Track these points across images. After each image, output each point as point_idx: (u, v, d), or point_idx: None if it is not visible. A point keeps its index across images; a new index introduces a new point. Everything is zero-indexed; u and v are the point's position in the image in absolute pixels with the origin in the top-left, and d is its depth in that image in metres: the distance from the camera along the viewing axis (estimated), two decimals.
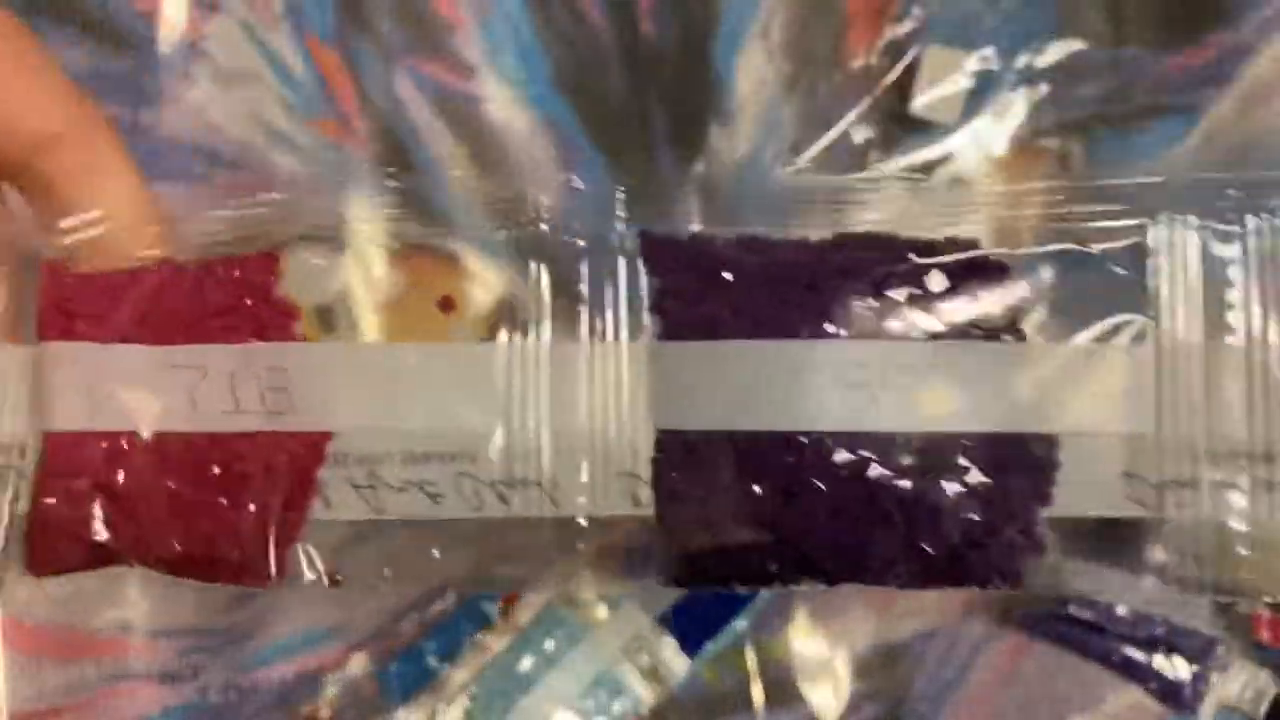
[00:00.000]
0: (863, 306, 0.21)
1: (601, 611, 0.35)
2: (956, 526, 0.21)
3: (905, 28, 0.36)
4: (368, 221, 0.22)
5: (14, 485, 0.21)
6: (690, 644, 0.35)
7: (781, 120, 0.36)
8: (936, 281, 0.21)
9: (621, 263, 0.21)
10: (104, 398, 0.21)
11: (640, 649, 0.35)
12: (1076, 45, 0.36)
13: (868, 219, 0.22)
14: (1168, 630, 0.34)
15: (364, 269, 0.21)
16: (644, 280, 0.21)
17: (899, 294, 0.21)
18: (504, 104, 0.35)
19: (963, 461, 0.21)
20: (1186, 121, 0.36)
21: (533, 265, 0.21)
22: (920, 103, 0.35)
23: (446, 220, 0.21)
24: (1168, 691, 0.34)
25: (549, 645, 0.35)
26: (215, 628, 0.35)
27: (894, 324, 0.21)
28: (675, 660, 0.35)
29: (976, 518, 0.21)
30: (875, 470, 0.21)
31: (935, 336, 0.21)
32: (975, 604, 0.36)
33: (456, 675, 0.35)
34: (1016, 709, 0.36)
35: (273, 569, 0.21)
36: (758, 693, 0.36)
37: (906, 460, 0.21)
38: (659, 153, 0.36)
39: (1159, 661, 0.34)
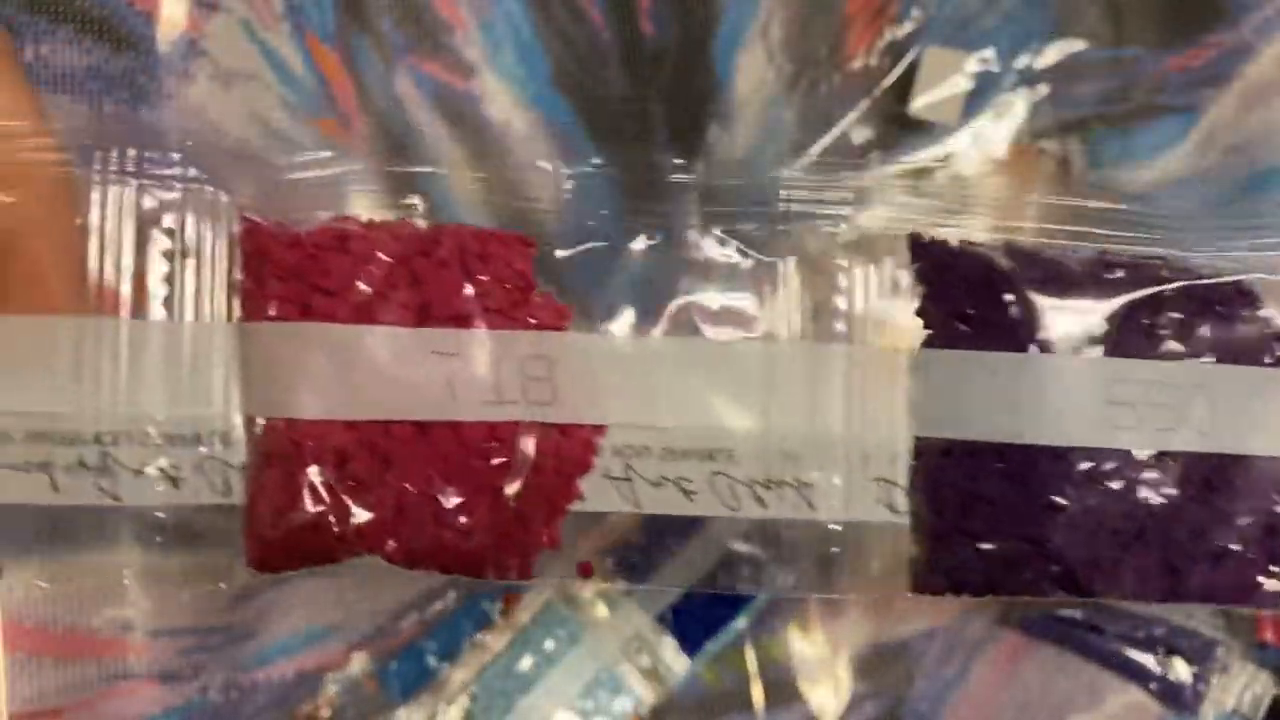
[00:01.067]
0: (1129, 325, 0.20)
1: (601, 611, 0.35)
2: (1212, 545, 0.20)
3: (905, 28, 0.36)
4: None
5: (221, 477, 0.19)
6: (690, 644, 0.35)
7: (781, 120, 0.36)
8: (1196, 306, 0.21)
9: (889, 263, 0.21)
10: (358, 384, 0.19)
11: (640, 649, 0.35)
12: (1076, 45, 0.36)
13: (866, 220, 0.22)
14: (1167, 631, 0.34)
15: None
16: (903, 282, 0.21)
17: (1164, 316, 0.21)
18: (504, 104, 0.35)
19: (1221, 482, 0.21)
20: (1186, 121, 0.36)
21: (781, 264, 0.20)
22: (920, 103, 0.35)
23: (448, 218, 0.21)
24: (1167, 692, 0.34)
25: (549, 645, 0.35)
26: (215, 627, 0.35)
27: (1158, 344, 0.20)
28: (675, 660, 0.35)
29: (1232, 541, 0.20)
30: (1136, 487, 0.20)
31: (1194, 358, 0.21)
32: (974, 604, 0.36)
33: (456, 675, 0.35)
34: (1016, 709, 0.36)
35: (533, 563, 0.20)
36: (758, 693, 0.36)
37: (1167, 478, 0.20)
38: (659, 153, 0.36)
39: (1159, 662, 0.34)
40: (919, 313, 0.21)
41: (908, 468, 0.20)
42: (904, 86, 0.36)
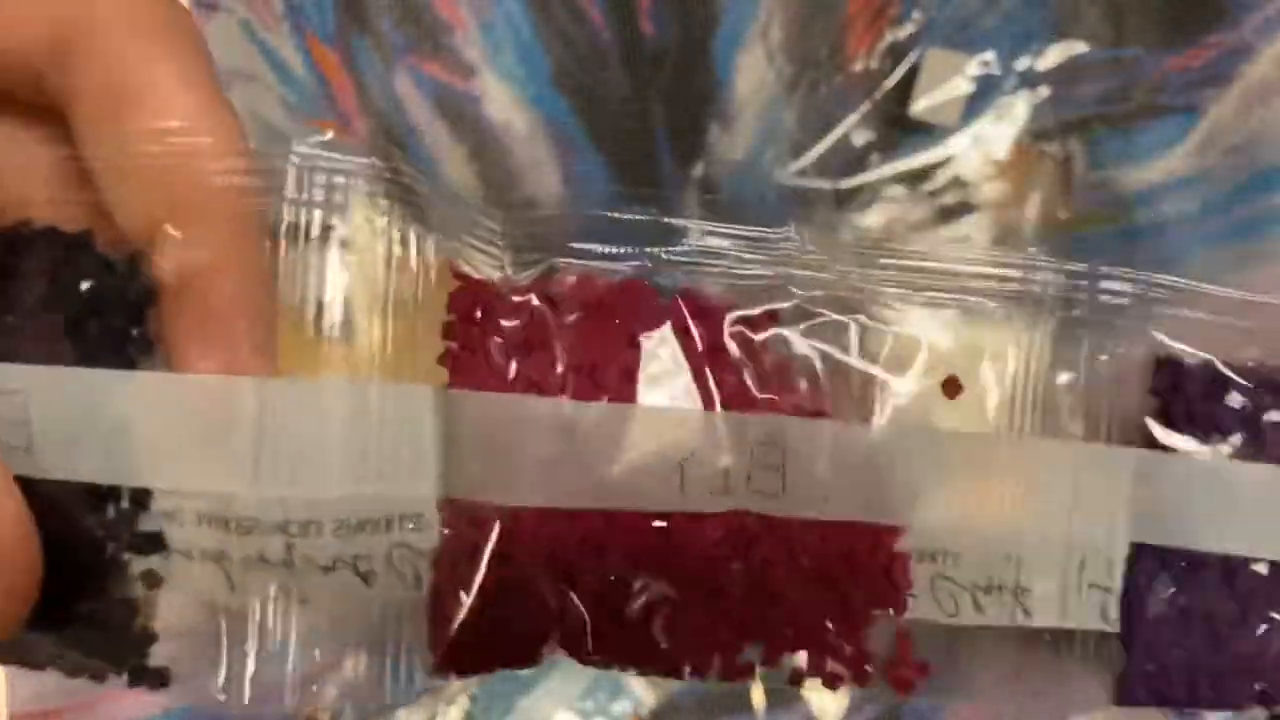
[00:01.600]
0: None
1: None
2: None
3: (905, 30, 0.36)
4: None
5: (412, 567, 0.17)
6: None
7: (781, 121, 0.36)
8: None
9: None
10: (567, 466, 0.17)
11: None
12: (1077, 47, 0.36)
13: (866, 222, 0.21)
14: None
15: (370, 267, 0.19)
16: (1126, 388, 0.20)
17: None
18: (504, 104, 0.35)
19: None
20: (1186, 121, 0.36)
21: (1034, 335, 0.19)
22: (920, 105, 0.35)
23: (444, 223, 0.20)
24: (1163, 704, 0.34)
25: None
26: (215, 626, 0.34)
27: None
28: None
29: None
30: None
31: None
32: None
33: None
34: (1017, 709, 0.36)
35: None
36: (758, 693, 0.36)
37: None
38: (659, 153, 0.35)
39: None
40: (1155, 416, 0.20)
41: (1121, 575, 0.20)
42: (904, 89, 0.36)
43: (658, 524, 0.18)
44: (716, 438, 0.18)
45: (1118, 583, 0.20)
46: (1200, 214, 0.35)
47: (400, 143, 0.35)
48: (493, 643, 0.18)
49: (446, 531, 0.17)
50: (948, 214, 0.21)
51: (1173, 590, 0.20)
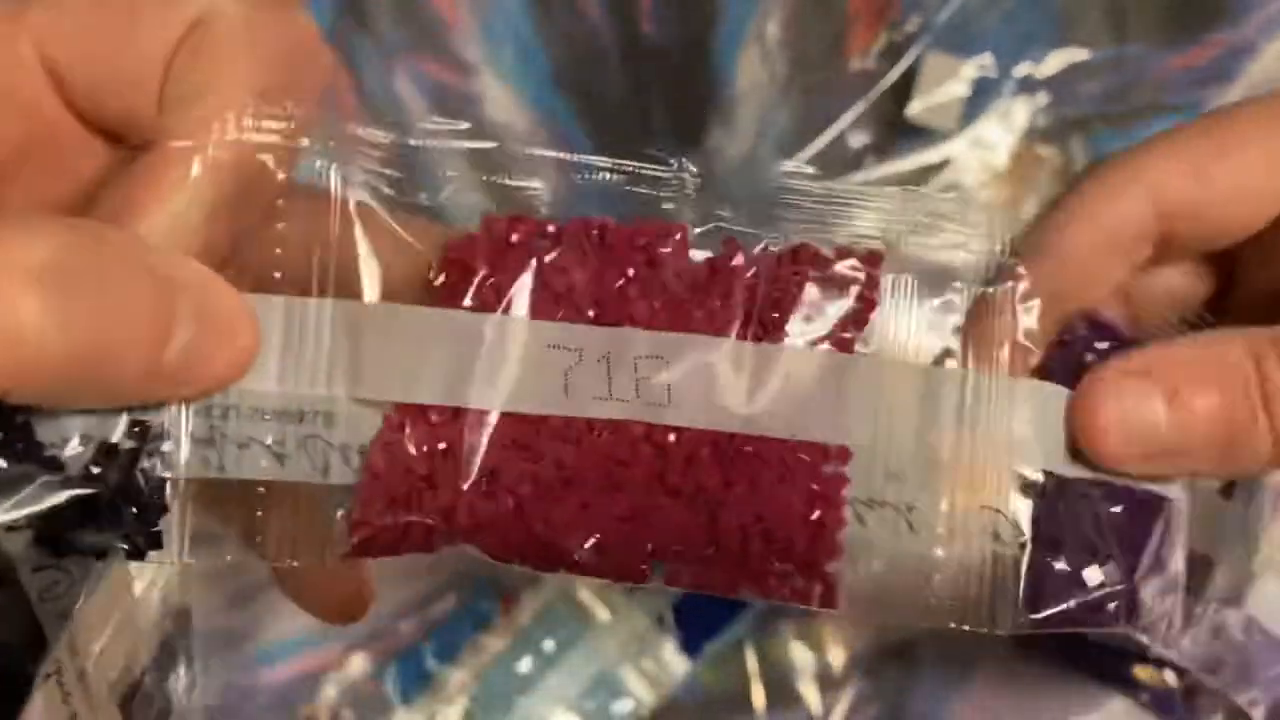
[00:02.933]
0: None
1: (602, 612, 0.35)
2: None
3: (905, 30, 0.36)
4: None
5: (322, 456, 0.19)
6: (690, 644, 0.35)
7: (779, 120, 0.36)
8: None
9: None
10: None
11: (640, 649, 0.35)
12: (1077, 49, 0.36)
13: (861, 224, 0.21)
14: None
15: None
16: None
17: None
18: (504, 104, 0.35)
19: None
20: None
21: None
22: (918, 107, 0.35)
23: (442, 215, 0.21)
24: (1158, 702, 0.34)
25: (549, 645, 0.35)
26: (215, 628, 0.35)
27: None
28: (675, 660, 0.35)
29: None
30: None
31: None
32: None
33: (456, 675, 0.35)
34: (1016, 710, 0.36)
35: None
36: (758, 694, 0.36)
37: None
38: (658, 152, 0.35)
39: (1149, 675, 0.34)
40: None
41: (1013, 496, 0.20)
42: (903, 91, 0.36)
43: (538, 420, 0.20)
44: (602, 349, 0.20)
45: (1007, 505, 0.20)
46: None
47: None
48: (410, 529, 0.20)
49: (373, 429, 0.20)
50: (940, 217, 0.21)
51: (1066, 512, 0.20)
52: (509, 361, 0.20)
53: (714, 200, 0.22)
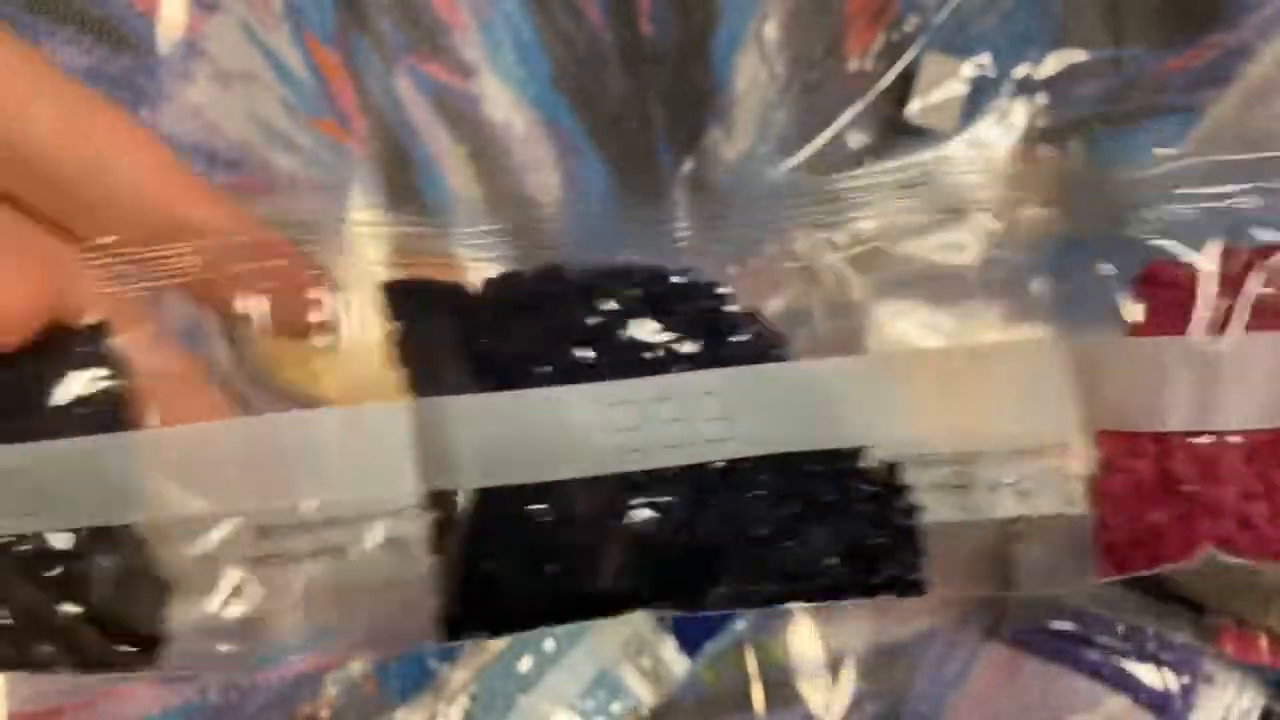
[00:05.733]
0: None
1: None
2: None
3: (903, 31, 0.36)
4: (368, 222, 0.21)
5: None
6: (690, 644, 0.35)
7: (777, 120, 0.36)
8: None
9: None
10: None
11: (640, 649, 0.35)
12: (1075, 49, 0.36)
13: (860, 225, 0.22)
14: (1157, 643, 0.34)
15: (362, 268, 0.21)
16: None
17: None
18: (504, 104, 0.35)
19: None
20: (1186, 121, 0.36)
21: None
22: (916, 108, 0.35)
23: (444, 220, 0.21)
24: (1156, 702, 0.34)
25: (549, 645, 0.35)
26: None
27: None
28: (675, 660, 0.35)
29: None
30: None
31: None
32: (971, 608, 0.36)
33: (456, 675, 0.35)
34: (1016, 710, 0.36)
35: None
36: (758, 694, 0.36)
37: None
38: (659, 153, 0.36)
39: (1148, 674, 0.34)
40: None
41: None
42: (901, 91, 0.36)
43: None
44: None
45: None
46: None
47: (400, 144, 0.35)
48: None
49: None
50: (943, 218, 0.21)
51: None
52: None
53: (713, 204, 0.22)
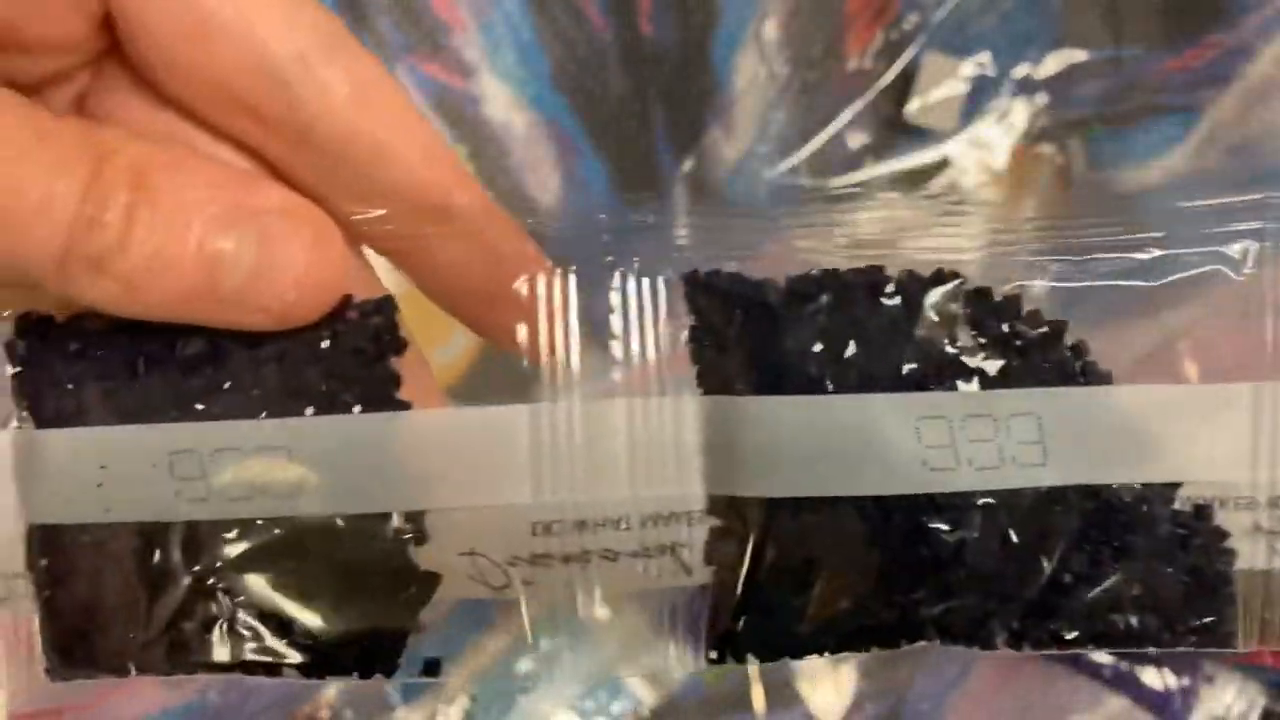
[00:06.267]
0: None
1: (602, 612, 0.35)
2: None
3: (903, 31, 0.36)
4: None
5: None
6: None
7: (777, 120, 0.36)
8: None
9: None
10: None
11: (640, 649, 0.35)
12: (1075, 49, 0.36)
13: (862, 228, 0.21)
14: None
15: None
16: None
17: None
18: (504, 104, 0.35)
19: None
20: (1186, 121, 0.36)
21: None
22: (916, 108, 0.35)
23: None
24: (1156, 703, 0.34)
25: (549, 645, 0.35)
26: None
27: None
28: None
29: None
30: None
31: None
32: None
33: (456, 675, 0.35)
34: (1016, 710, 0.36)
35: None
36: (758, 694, 0.36)
37: None
38: (658, 153, 0.35)
39: (1148, 674, 0.34)
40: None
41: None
42: (901, 90, 0.36)
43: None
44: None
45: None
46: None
47: None
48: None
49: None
50: (938, 219, 0.21)
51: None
52: None
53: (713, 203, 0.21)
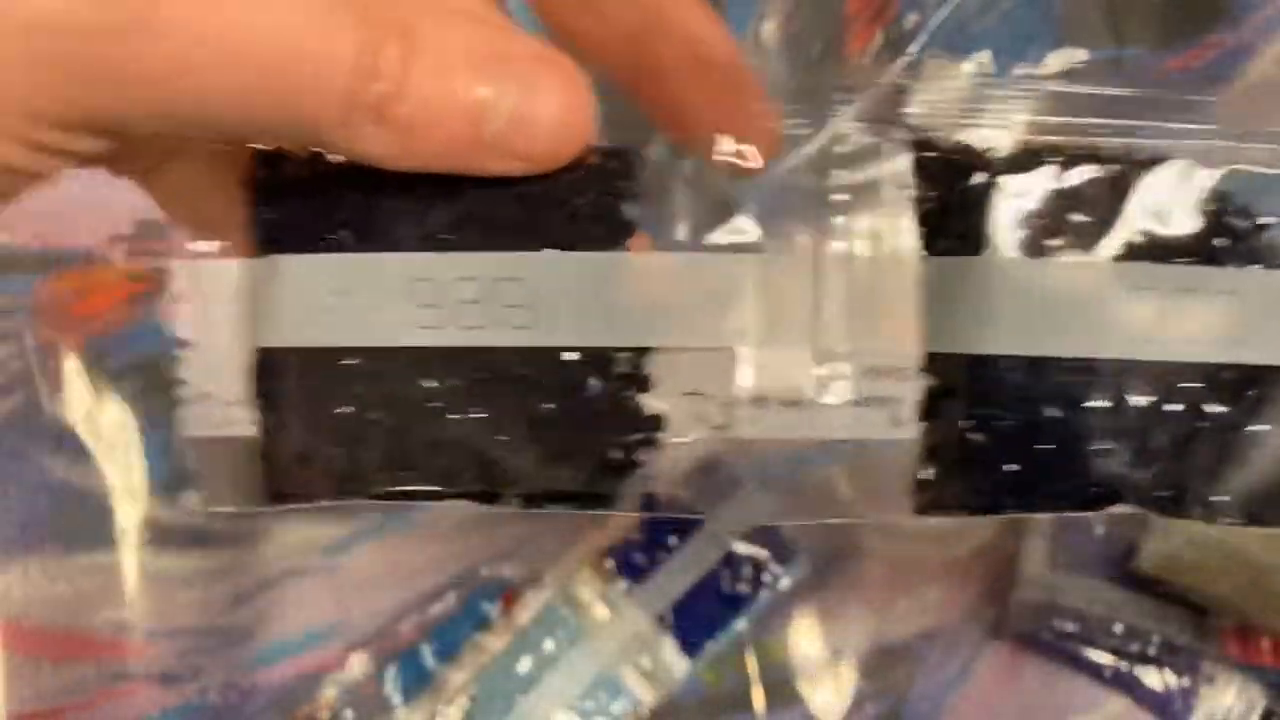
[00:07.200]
0: None
1: (601, 611, 0.35)
2: None
3: (903, 30, 0.36)
4: None
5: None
6: (690, 645, 0.35)
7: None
8: None
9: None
10: None
11: (640, 649, 0.35)
12: (1075, 49, 0.36)
13: (859, 224, 0.22)
14: (1158, 644, 0.34)
15: None
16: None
17: None
18: None
19: None
20: None
21: None
22: (916, 107, 0.35)
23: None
24: (1157, 703, 0.34)
25: (549, 645, 0.35)
26: (215, 628, 0.35)
27: None
28: (675, 661, 0.35)
29: None
30: None
31: None
32: (972, 607, 0.36)
33: (456, 675, 0.35)
34: (1016, 710, 0.36)
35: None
36: (758, 694, 0.36)
37: None
38: (657, 151, 0.35)
39: (1149, 675, 0.34)
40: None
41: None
42: (901, 90, 0.36)
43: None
44: None
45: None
46: None
47: None
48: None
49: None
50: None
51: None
52: None
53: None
